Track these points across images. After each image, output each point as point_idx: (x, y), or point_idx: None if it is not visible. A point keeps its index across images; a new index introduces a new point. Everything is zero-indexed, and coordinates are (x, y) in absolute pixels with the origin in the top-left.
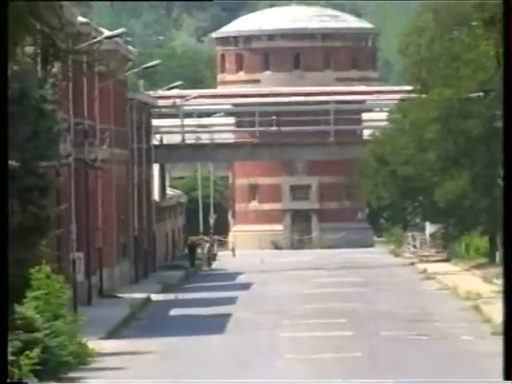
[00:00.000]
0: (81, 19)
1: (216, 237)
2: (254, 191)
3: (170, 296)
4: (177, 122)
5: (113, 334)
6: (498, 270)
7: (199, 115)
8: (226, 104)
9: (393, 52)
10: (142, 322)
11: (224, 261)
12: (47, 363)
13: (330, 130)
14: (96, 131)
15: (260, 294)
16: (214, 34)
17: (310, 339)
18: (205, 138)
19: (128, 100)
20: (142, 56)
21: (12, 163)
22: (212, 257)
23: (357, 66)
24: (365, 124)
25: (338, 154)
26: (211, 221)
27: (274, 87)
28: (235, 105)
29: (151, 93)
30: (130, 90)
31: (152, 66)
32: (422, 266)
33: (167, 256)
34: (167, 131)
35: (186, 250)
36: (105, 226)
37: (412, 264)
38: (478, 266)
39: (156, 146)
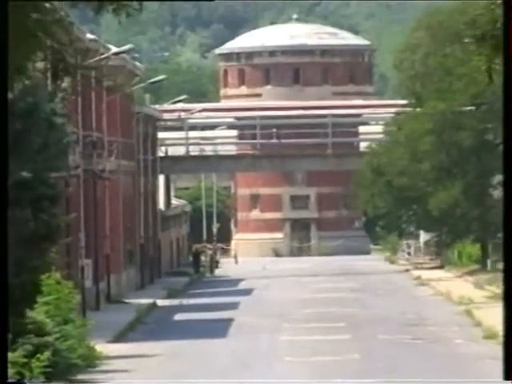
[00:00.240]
0: (89, 36)
1: (219, 244)
2: (255, 201)
3: (175, 301)
4: (181, 134)
5: (120, 337)
6: (490, 276)
7: (203, 128)
8: (229, 117)
9: (388, 67)
10: (148, 326)
11: (226, 268)
12: (57, 365)
13: (328, 142)
14: (104, 143)
15: (261, 299)
16: (217, 50)
17: (309, 342)
18: (208, 150)
19: (134, 113)
20: (148, 71)
21: (24, 174)
22: (215, 264)
23: (354, 81)
24: (361, 136)
25: (335, 166)
26: (214, 229)
27: (274, 101)
28: (237, 118)
29: (157, 106)
30: (136, 103)
31: (158, 81)
32: (416, 273)
33: (172, 263)
34: (172, 143)
35: (191, 258)
36: (112, 234)
37: (407, 271)
38: (470, 273)
39: (161, 158)
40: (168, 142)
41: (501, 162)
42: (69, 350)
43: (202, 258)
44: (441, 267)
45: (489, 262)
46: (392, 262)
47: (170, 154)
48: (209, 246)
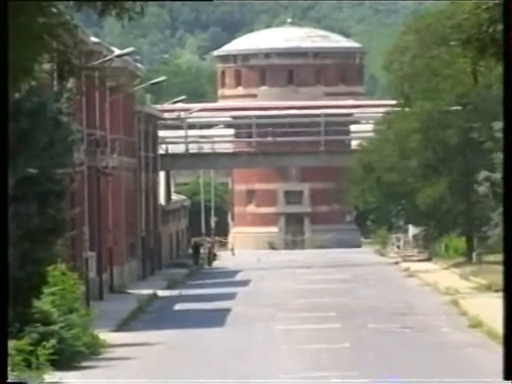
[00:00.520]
0: (93, 39)
1: (217, 238)
2: (251, 196)
3: (175, 292)
4: (181, 133)
5: (122, 326)
6: (475, 268)
7: (201, 127)
8: (226, 116)
9: (378, 69)
10: (149, 315)
11: (224, 260)
12: (62, 353)
13: (321, 140)
14: (107, 141)
15: (257, 289)
16: (215, 52)
17: (303, 331)
18: (206, 148)
19: (136, 113)
20: (149, 72)
21: (31, 170)
22: (213, 256)
23: (345, 82)
24: (352, 135)
25: (328, 162)
26: (212, 223)
27: (269, 101)
28: (234, 117)
29: (157, 106)
30: (137, 103)
31: (158, 82)
32: (405, 265)
33: (172, 255)
34: (172, 141)
35: (190, 250)
36: (115, 228)
37: (396, 263)
38: (456, 265)
39: (162, 155)
40: (168, 140)
41: (485, 160)
42: (73, 338)
43: (202, 250)
44: (428, 259)
45: (474, 255)
46: (382, 255)
47: (169, 151)
48: (207, 239)
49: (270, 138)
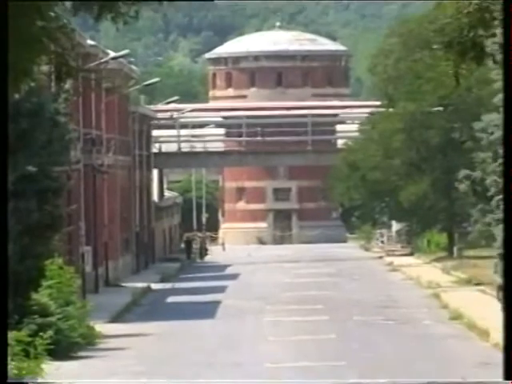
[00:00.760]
0: (90, 42)
1: (208, 233)
2: (241, 193)
3: (168, 285)
4: (173, 132)
5: (117, 318)
6: (456, 262)
7: (193, 126)
8: (217, 117)
9: (363, 71)
10: (143, 307)
11: (215, 254)
12: (59, 343)
13: (308, 139)
14: (102, 140)
15: (246, 283)
16: (206, 55)
17: (291, 323)
18: (198, 147)
19: (130, 113)
20: (143, 74)
21: (30, 168)
22: (205, 251)
23: (332, 84)
24: (338, 134)
25: (315, 161)
26: (203, 219)
27: (259, 102)
28: (225, 117)
29: (151, 106)
30: (132, 104)
31: (152, 83)
32: (388, 259)
33: (165, 250)
34: (165, 140)
35: (183, 245)
36: (110, 223)
37: (380, 257)
38: (438, 259)
39: (155, 154)
40: (161, 139)
41: (465, 159)
42: (70, 329)
43: (194, 245)
44: (411, 254)
45: (455, 250)
46: (366, 250)
47: (163, 150)
48: (199, 234)
49: (259, 138)
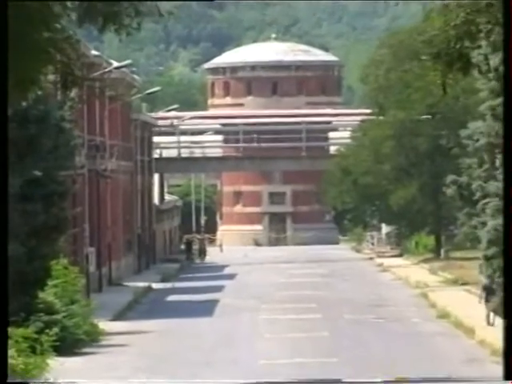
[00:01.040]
0: (94, 52)
1: (206, 235)
2: (238, 197)
3: (168, 285)
4: (174, 138)
5: (119, 316)
6: (443, 263)
7: (193, 133)
8: (216, 124)
9: (355, 80)
10: (144, 306)
11: (213, 255)
12: (65, 340)
13: (302, 146)
14: (106, 146)
15: (243, 283)
16: (205, 65)
17: (285, 321)
18: (197, 153)
19: (133, 120)
20: (145, 83)
21: (37, 172)
22: (204, 252)
23: (325, 93)
24: (331, 141)
25: (308, 166)
26: (202, 221)
27: (255, 110)
28: (223, 125)
29: (152, 114)
30: (134, 111)
31: (153, 92)
32: (379, 260)
33: (165, 251)
34: (165, 146)
35: (182, 246)
36: (113, 226)
37: (371, 258)
38: (426, 260)
39: (156, 159)
40: (162, 145)
41: (452, 164)
42: (75, 326)
43: (194, 246)
44: (400, 255)
45: (442, 251)
46: (358, 251)
47: (163, 155)
48: (198, 236)
49: (255, 144)
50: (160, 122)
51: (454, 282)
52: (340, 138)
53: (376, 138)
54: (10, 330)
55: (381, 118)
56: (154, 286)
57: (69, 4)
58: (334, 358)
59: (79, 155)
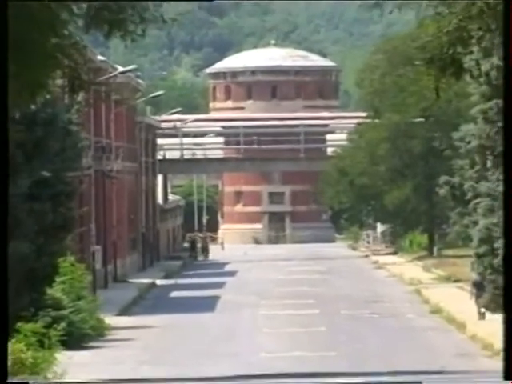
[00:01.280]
0: (100, 57)
1: (208, 233)
2: (239, 196)
3: (171, 281)
4: (177, 140)
5: (124, 311)
6: (436, 261)
7: (195, 135)
8: (217, 126)
9: (351, 85)
10: (148, 302)
11: (214, 253)
12: (72, 335)
13: (301, 147)
14: (112, 148)
15: (243, 279)
16: (207, 70)
17: (284, 316)
18: (199, 154)
19: (137, 123)
20: (149, 87)
21: (45, 173)
22: (207, 250)
23: (322, 96)
24: (328, 143)
25: (306, 167)
26: (204, 220)
27: (255, 113)
28: (224, 127)
29: (156, 117)
30: (139, 114)
31: (157, 96)
32: (374, 258)
33: (169, 249)
34: (169, 148)
35: (185, 244)
36: (118, 224)
37: (366, 256)
38: (419, 258)
39: (160, 160)
40: (165, 147)
41: (445, 166)
42: (81, 321)
43: (198, 245)
44: (395, 253)
45: (435, 249)
46: (354, 249)
47: (167, 157)
48: (200, 234)
49: (255, 146)
50: (163, 125)
51: (447, 279)
52: (337, 140)
53: (372, 140)
54: (20, 324)
55: (376, 120)
56: (158, 282)
57: (76, 11)
58: (331, 352)
59: (86, 156)
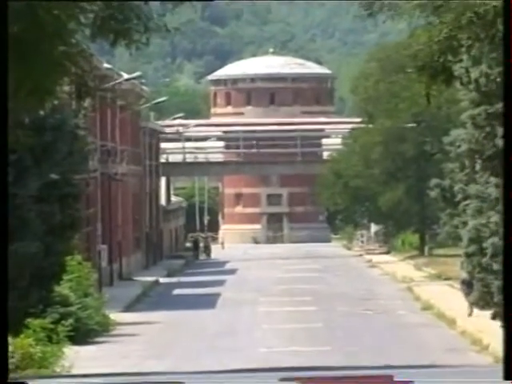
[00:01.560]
0: (106, 65)
1: (209, 233)
2: (238, 198)
3: (174, 279)
4: (179, 144)
5: (129, 308)
6: (426, 260)
7: (196, 140)
8: (218, 131)
9: (346, 91)
10: (152, 299)
11: (215, 252)
12: (79, 330)
13: (298, 151)
14: (117, 151)
15: (243, 277)
16: (208, 77)
17: (282, 313)
18: (201, 158)
19: (141, 127)
20: (153, 93)
21: (53, 176)
22: (209, 249)
23: (318, 102)
24: (324, 147)
25: (303, 170)
26: (205, 221)
27: (254, 118)
28: (225, 132)
29: (159, 122)
30: (143, 119)
31: (160, 102)
32: (368, 257)
33: (171, 248)
34: (172, 152)
35: (187, 244)
36: (123, 225)
37: (360, 255)
38: (411, 257)
39: (163, 164)
40: (168, 150)
41: (436, 169)
42: (88, 317)
43: (200, 244)
44: (387, 253)
45: (426, 249)
46: (348, 249)
47: (170, 160)
48: (201, 234)
49: (254, 150)
50: (166, 130)
51: (437, 277)
52: (332, 144)
53: (365, 144)
54: (29, 320)
55: (370, 125)
56: (161, 280)
57: (83, 20)
58: (327, 347)
59: (92, 160)
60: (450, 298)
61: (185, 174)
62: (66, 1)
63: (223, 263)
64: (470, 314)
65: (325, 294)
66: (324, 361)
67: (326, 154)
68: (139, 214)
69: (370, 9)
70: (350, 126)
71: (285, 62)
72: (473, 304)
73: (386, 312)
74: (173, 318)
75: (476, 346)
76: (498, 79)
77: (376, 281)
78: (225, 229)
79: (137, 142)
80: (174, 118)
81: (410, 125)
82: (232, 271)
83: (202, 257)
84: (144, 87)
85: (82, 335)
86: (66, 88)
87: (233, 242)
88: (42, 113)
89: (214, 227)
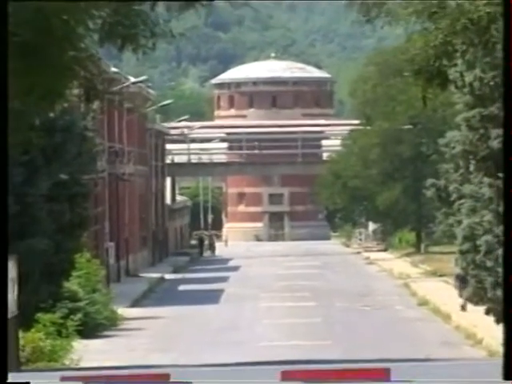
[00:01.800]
0: (113, 69)
1: (213, 231)
2: (241, 197)
3: (179, 275)
4: (184, 146)
5: (136, 303)
6: (423, 257)
7: (201, 141)
8: (221, 133)
9: (345, 95)
10: (158, 294)
11: (219, 249)
12: (87, 325)
13: (298, 152)
14: (124, 152)
15: (245, 274)
16: (212, 81)
17: (282, 308)
18: (205, 158)
19: (148, 129)
20: (159, 97)
21: (62, 176)
22: (213, 247)
23: (318, 105)
24: (324, 148)
25: (303, 171)
26: (209, 219)
27: (256, 121)
28: (228, 133)
29: (165, 124)
30: (149, 121)
31: (166, 104)
32: (366, 254)
33: (177, 245)
34: (177, 153)
35: (192, 241)
36: (130, 223)
37: (358, 253)
38: (408, 254)
39: (168, 164)
40: (174, 151)
41: (432, 169)
42: (96, 312)
43: (205, 242)
44: (385, 250)
45: (422, 246)
46: (347, 246)
47: (175, 161)
48: (206, 232)
49: (256, 151)
50: (172, 131)
51: (433, 274)
52: (332, 145)
53: (364, 145)
54: (39, 315)
55: (368, 127)
56: (167, 276)
57: (91, 26)
58: (326, 341)
59: (100, 160)
60: (445, 294)
61: (189, 174)
62: (73, 1)
63: (227, 260)
64: (463, 308)
65: (324, 290)
66: (323, 354)
67: (325, 155)
68: (145, 212)
69: (368, 15)
70: (348, 128)
71: (286, 67)
72: (467, 299)
73: (383, 307)
74: (178, 312)
75: (470, 340)
76: (492, 83)
77: (374, 277)
78: (228, 227)
79: (143, 144)
80: (180, 121)
81: (406, 127)
82: (235, 268)
83: (207, 254)
84: (150, 90)
85: (90, 329)
86: (76, 91)
87: (236, 239)
88: (52, 115)
89: (217, 225)
